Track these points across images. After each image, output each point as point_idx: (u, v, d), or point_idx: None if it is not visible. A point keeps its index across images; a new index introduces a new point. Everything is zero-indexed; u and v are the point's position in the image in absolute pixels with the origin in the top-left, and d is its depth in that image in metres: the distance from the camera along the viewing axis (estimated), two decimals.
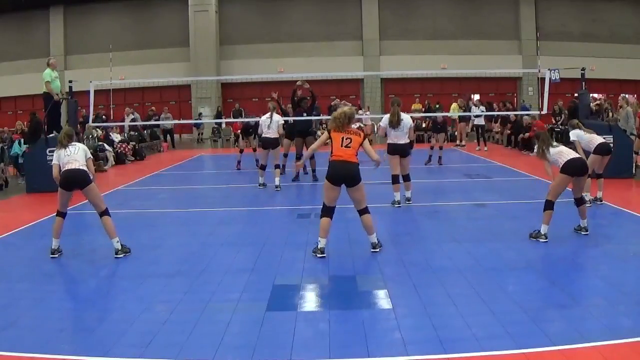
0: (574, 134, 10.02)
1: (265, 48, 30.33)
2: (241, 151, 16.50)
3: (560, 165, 7.57)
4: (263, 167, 12.60)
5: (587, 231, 7.77)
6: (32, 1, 30.29)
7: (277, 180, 12.32)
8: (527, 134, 19.27)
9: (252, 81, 28.05)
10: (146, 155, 21.37)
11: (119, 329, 4.93)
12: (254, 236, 8.48)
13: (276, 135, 12.42)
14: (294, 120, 13.79)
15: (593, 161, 9.89)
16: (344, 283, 6.07)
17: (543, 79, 16.12)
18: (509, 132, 21.48)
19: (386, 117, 10.37)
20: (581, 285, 5.85)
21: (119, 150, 19.51)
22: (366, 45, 30.68)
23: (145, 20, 31.15)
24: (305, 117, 13.76)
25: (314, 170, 13.70)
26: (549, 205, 7.53)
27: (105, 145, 18.65)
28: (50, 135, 13.87)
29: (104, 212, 7.33)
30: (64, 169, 7.30)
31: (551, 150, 7.75)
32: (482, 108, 21.14)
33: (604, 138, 12.95)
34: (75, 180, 7.22)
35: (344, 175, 6.86)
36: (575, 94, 17.27)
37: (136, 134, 22.82)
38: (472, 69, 25.17)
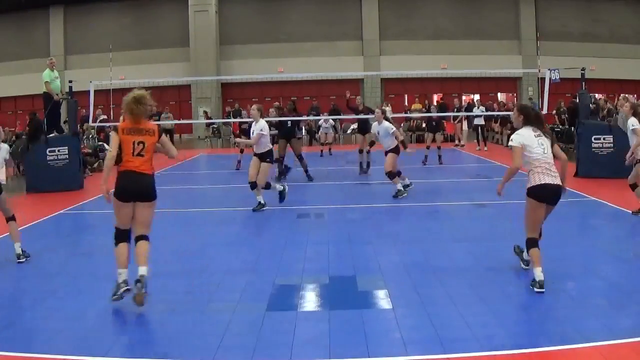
0: (635, 122, 8.69)
1: (265, 48, 30.33)
2: (241, 151, 16.50)
3: (529, 183, 5.73)
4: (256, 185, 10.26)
5: (541, 287, 5.49)
6: (32, 1, 30.30)
7: (278, 185, 10.91)
8: None
9: (252, 81, 28.06)
10: None
11: (119, 329, 4.93)
12: (254, 236, 8.49)
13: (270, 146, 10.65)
14: (280, 122, 13.98)
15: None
16: (344, 283, 6.07)
17: (543, 79, 16.11)
18: (509, 132, 21.45)
19: (387, 125, 11.33)
20: (581, 285, 5.85)
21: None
22: (366, 45, 30.68)
23: (145, 20, 31.15)
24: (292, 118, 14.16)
25: (306, 171, 13.83)
26: (530, 243, 5.77)
27: (105, 145, 18.64)
28: (51, 135, 13.89)
29: (11, 218, 7.25)
30: None
31: (530, 145, 5.67)
32: (482, 108, 21.15)
33: (604, 138, 13.08)
34: None
35: (136, 190, 5.46)
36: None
37: None
38: (472, 69, 25.17)
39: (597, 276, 6.11)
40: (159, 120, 24.90)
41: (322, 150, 20.13)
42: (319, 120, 22.05)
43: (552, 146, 5.77)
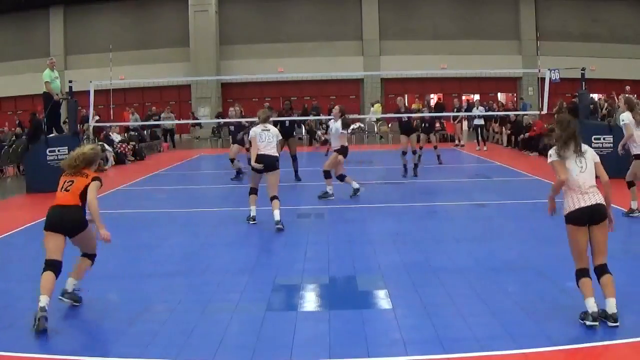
0: (626, 116, 8.69)
1: (265, 48, 30.32)
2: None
3: (565, 209, 5.05)
4: (254, 191, 9.15)
5: (615, 321, 4.69)
6: (32, 1, 30.28)
7: (277, 214, 8.74)
8: (527, 134, 19.30)
9: (252, 81, 28.05)
10: (146, 155, 21.38)
11: (119, 329, 4.93)
12: (254, 236, 8.48)
13: (276, 154, 9.12)
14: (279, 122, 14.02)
15: (636, 167, 8.86)
16: (344, 283, 6.07)
17: (543, 79, 16.12)
18: (509, 132, 21.50)
19: (339, 123, 11.30)
20: None
21: (119, 150, 19.51)
22: (366, 45, 30.67)
23: (145, 20, 31.13)
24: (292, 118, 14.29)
25: (296, 171, 13.87)
26: (580, 274, 4.97)
27: (105, 145, 18.64)
28: (51, 135, 13.89)
29: None
30: None
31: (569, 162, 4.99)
32: (482, 109, 21.20)
33: (604, 138, 13.07)
34: None
35: (61, 222, 5.32)
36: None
37: (136, 134, 22.83)
38: (472, 69, 25.18)
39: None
40: (159, 120, 24.96)
41: (328, 150, 19.96)
42: (329, 120, 21.92)
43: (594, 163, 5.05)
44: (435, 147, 16.61)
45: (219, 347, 4.49)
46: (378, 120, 25.74)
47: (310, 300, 5.69)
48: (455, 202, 10.70)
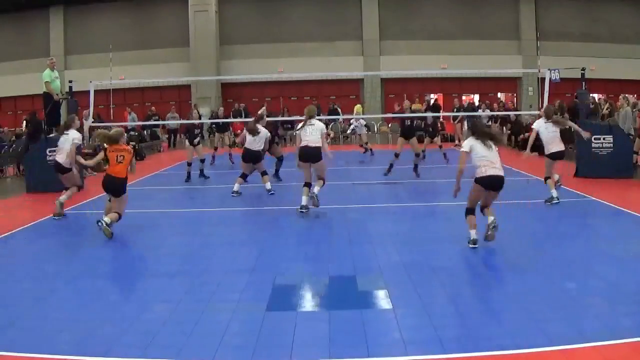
0: (537, 122, 10.41)
1: (265, 48, 30.32)
2: (230, 147, 16.90)
3: (477, 174, 7.32)
4: (307, 185, 9.79)
5: (474, 244, 7.20)
6: (32, 1, 30.27)
7: (316, 189, 9.77)
8: (527, 134, 19.29)
9: (252, 81, 28.05)
10: (146, 155, 21.37)
11: (119, 329, 4.93)
12: (254, 236, 8.49)
13: (319, 144, 9.70)
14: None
15: (546, 164, 10.14)
16: (344, 283, 6.07)
17: (543, 79, 16.13)
18: (508, 132, 21.50)
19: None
20: (581, 285, 5.85)
21: None
22: (366, 45, 30.67)
23: (145, 20, 31.13)
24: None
25: (277, 171, 13.94)
26: (469, 212, 7.42)
27: (105, 145, 18.61)
28: (51, 135, 13.88)
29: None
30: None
31: (476, 148, 7.34)
32: (487, 110, 21.24)
33: (604, 138, 13.06)
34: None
35: (111, 187, 8.34)
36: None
37: (136, 134, 22.83)
38: (472, 69, 25.18)
39: (597, 276, 6.11)
40: (158, 120, 24.95)
41: (367, 150, 19.74)
42: (350, 119, 21.78)
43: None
44: (440, 147, 16.76)
45: (219, 347, 4.50)
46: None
47: (310, 300, 5.69)
48: (455, 202, 10.67)
